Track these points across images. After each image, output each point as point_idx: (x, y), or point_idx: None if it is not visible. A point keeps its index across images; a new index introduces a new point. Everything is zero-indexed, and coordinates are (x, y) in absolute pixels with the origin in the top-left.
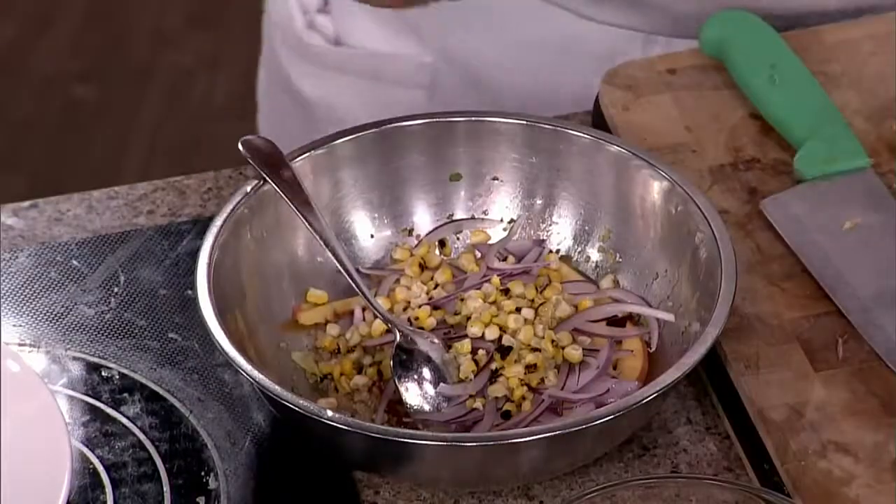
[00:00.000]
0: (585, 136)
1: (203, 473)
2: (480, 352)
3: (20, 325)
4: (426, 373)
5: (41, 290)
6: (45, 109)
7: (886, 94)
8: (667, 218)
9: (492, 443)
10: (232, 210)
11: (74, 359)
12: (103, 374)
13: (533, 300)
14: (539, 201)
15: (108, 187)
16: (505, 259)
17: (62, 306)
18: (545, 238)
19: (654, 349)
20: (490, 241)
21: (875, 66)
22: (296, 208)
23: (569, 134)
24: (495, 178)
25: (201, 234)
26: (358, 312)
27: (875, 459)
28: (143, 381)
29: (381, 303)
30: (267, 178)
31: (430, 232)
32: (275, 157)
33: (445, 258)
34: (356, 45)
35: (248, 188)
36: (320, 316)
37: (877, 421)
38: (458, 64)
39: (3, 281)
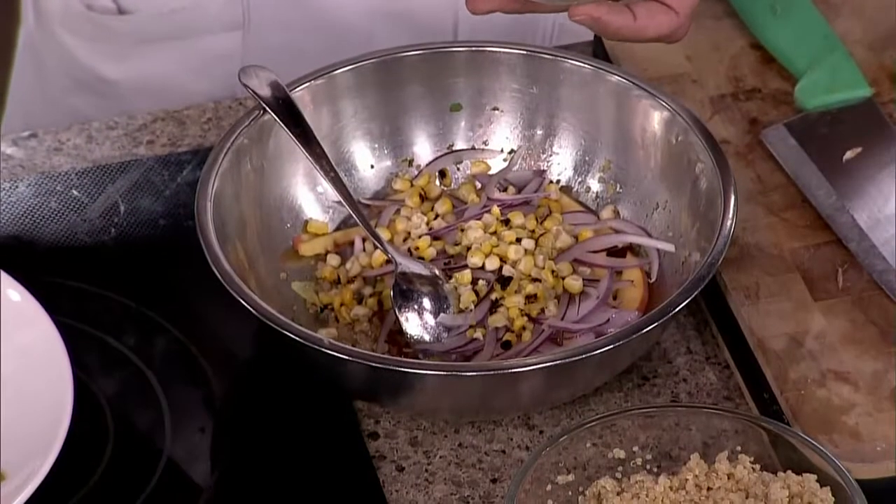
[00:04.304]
0: (586, 65)
1: (203, 403)
2: (481, 282)
3: (20, 254)
4: (426, 303)
5: (41, 220)
6: None
7: (888, 23)
8: (667, 148)
9: (491, 373)
10: (232, 140)
11: (74, 288)
12: (104, 303)
13: (533, 231)
14: (539, 132)
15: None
16: (505, 189)
17: (62, 236)
18: (545, 168)
19: (654, 279)
20: (490, 172)
21: None
22: (295, 138)
23: (569, 64)
24: (495, 109)
25: (201, 165)
26: (358, 243)
27: (874, 388)
28: (144, 310)
29: (382, 233)
30: (266, 108)
31: (431, 162)
32: (274, 86)
33: (446, 189)
34: (143, 9)
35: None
36: (320, 246)
37: (876, 349)
38: None
39: (3, 210)
